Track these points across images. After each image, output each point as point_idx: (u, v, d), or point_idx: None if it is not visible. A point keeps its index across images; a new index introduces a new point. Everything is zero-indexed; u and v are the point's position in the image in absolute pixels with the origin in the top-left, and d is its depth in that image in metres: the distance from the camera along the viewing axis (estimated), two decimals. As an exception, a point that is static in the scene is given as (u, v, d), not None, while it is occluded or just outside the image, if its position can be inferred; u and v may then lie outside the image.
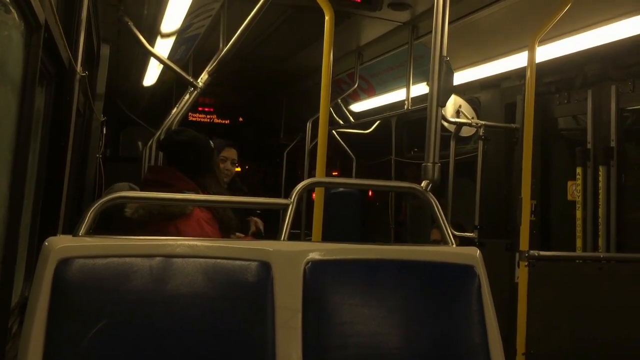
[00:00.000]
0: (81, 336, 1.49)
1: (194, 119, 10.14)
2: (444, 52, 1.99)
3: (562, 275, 3.01)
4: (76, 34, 2.90)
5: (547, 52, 3.90)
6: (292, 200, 1.85)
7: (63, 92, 2.76)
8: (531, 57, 2.99)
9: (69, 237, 1.60)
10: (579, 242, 4.07)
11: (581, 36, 3.72)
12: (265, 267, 1.69)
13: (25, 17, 1.81)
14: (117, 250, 1.60)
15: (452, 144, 4.83)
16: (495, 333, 1.80)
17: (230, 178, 3.89)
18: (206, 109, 10.31)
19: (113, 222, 2.54)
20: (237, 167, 4.05)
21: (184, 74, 3.73)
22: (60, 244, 1.55)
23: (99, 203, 1.67)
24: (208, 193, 2.77)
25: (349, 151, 6.66)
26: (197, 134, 3.06)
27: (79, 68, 2.84)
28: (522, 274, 2.89)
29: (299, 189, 1.88)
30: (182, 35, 4.53)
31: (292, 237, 1.86)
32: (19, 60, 1.86)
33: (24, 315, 1.62)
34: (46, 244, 1.56)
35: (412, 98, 4.80)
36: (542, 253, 2.97)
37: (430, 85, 2.01)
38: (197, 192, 2.72)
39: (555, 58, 4.00)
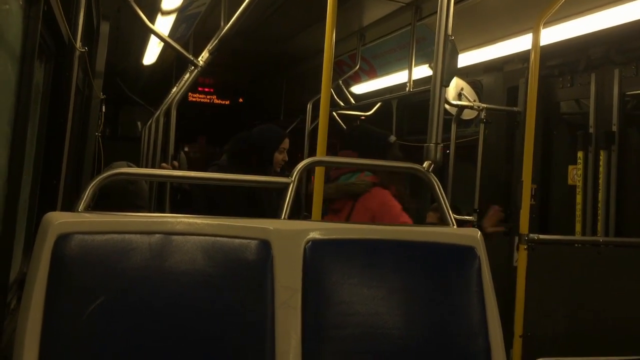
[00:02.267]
0: (80, 312, 1.48)
1: (193, 99, 10.10)
2: (449, 31, 1.97)
3: (560, 258, 3.02)
4: (76, 10, 2.87)
5: (550, 35, 3.86)
6: (293, 179, 1.84)
7: (62, 68, 2.74)
8: (536, 40, 2.96)
9: (69, 212, 1.59)
10: (578, 227, 4.07)
11: (585, 19, 3.69)
12: (265, 246, 1.69)
13: (24, -12, 1.79)
14: (116, 226, 1.60)
15: (453, 126, 4.81)
16: (495, 314, 1.80)
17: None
18: (206, 89, 10.27)
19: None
20: None
21: (184, 52, 3.68)
22: (59, 220, 1.54)
23: (98, 179, 1.67)
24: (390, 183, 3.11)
25: (349, 133, 6.63)
26: (373, 128, 3.49)
27: (78, 44, 2.81)
28: (521, 257, 2.89)
29: (300, 168, 1.87)
30: (183, 13, 4.49)
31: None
32: (18, 34, 1.83)
33: (22, 291, 1.62)
34: (45, 219, 1.55)
35: (413, 80, 4.77)
36: (542, 237, 2.97)
37: (434, 64, 1.99)
38: (378, 178, 3.11)
39: (559, 41, 3.96)
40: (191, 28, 5.03)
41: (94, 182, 1.66)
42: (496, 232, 2.91)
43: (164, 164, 3.53)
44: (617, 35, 3.82)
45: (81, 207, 1.61)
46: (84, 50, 2.96)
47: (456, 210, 4.55)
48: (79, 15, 2.87)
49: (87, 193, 1.63)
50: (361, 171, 3.16)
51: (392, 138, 3.36)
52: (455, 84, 4.77)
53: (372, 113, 6.46)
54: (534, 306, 2.86)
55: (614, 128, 3.96)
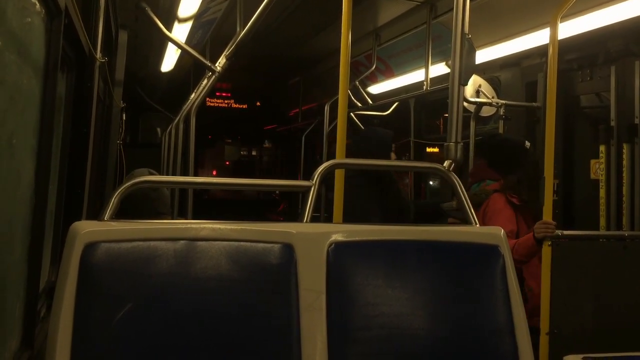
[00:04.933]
0: (109, 318, 1.51)
1: (211, 104, 10.18)
2: (466, 30, 1.96)
3: (585, 254, 2.98)
4: (95, 21, 2.91)
5: (568, 28, 3.83)
6: (314, 182, 1.85)
7: (84, 78, 2.78)
8: (553, 34, 2.93)
9: (95, 221, 1.62)
10: (602, 221, 4.02)
11: (604, 11, 3.64)
12: (288, 250, 1.70)
13: (45, 2, 1.82)
14: (142, 234, 1.62)
15: (472, 124, 4.78)
16: (521, 313, 1.79)
17: None
18: (223, 94, 10.34)
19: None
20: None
21: (202, 58, 3.72)
22: (86, 229, 1.57)
23: (122, 188, 1.69)
24: (519, 188, 3.32)
25: (368, 134, 6.62)
26: (509, 137, 3.76)
27: (98, 55, 2.85)
28: (545, 254, 2.86)
29: (321, 171, 1.88)
30: (199, 19, 4.53)
31: (312, 220, 1.86)
32: (40, 47, 1.87)
33: (51, 299, 1.65)
34: (73, 228, 1.58)
35: (430, 79, 4.76)
36: (566, 232, 2.94)
37: (452, 63, 1.98)
38: (501, 184, 3.39)
39: (577, 34, 3.92)
40: (207, 34, 5.07)
41: (118, 191, 1.68)
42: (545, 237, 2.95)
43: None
44: (636, 27, 3.77)
45: (107, 215, 1.64)
46: (104, 60, 3.00)
47: None
48: (99, 26, 2.92)
49: (112, 202, 1.66)
50: (483, 180, 3.55)
51: (527, 144, 3.55)
52: (473, 81, 4.74)
53: (390, 113, 6.46)
54: (560, 303, 2.83)
55: (636, 120, 3.90)
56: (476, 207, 3.29)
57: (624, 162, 3.90)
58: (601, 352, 2.49)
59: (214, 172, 12.35)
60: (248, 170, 12.70)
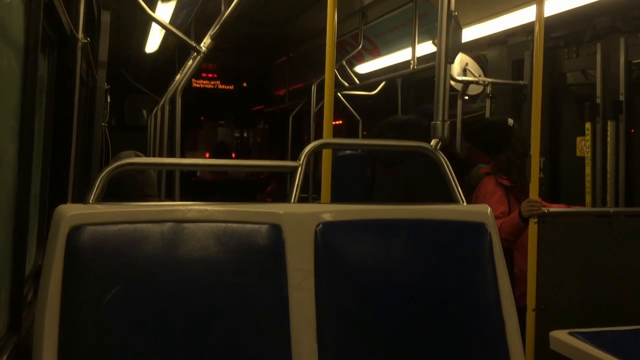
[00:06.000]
0: (96, 302, 1.50)
1: (197, 85, 10.09)
2: (452, 7, 1.95)
3: (571, 231, 3.02)
4: (76, 0, 2.86)
5: (554, 5, 3.82)
6: (301, 162, 1.84)
7: (66, 60, 2.74)
8: (539, 12, 2.93)
9: (80, 204, 1.61)
10: (588, 198, 4.05)
11: (590, -12, 3.64)
12: (276, 230, 1.70)
13: (23, -18, 1.78)
14: (128, 216, 1.61)
15: (459, 102, 4.77)
16: (507, 289, 1.81)
17: None
18: (210, 75, 10.25)
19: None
20: None
21: (186, 38, 3.67)
22: (71, 212, 1.56)
23: (108, 170, 1.67)
24: (509, 168, 3.34)
25: (355, 113, 6.62)
26: (490, 119, 4.00)
27: (80, 35, 2.81)
28: (531, 231, 2.89)
29: (308, 151, 1.87)
30: (183, -1, 4.47)
31: (300, 200, 1.86)
32: (20, 27, 1.83)
33: (37, 283, 1.64)
34: (57, 212, 1.57)
35: (417, 57, 4.74)
36: (552, 210, 2.97)
37: (438, 42, 1.97)
38: (491, 166, 3.44)
39: (563, 12, 3.91)
40: (192, 14, 5.00)
41: (103, 173, 1.67)
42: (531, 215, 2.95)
43: None
44: (622, 4, 3.77)
45: (92, 198, 1.63)
46: (86, 41, 2.96)
47: None
48: (80, 6, 2.86)
49: (97, 184, 1.64)
50: (475, 164, 3.69)
51: (510, 121, 3.59)
52: (460, 59, 4.71)
53: (377, 92, 6.44)
54: (546, 279, 2.86)
55: (621, 98, 3.92)
56: (470, 190, 3.38)
57: (609, 139, 3.93)
58: (587, 328, 2.52)
59: (207, 155, 12.32)
60: (238, 152, 12.69)
